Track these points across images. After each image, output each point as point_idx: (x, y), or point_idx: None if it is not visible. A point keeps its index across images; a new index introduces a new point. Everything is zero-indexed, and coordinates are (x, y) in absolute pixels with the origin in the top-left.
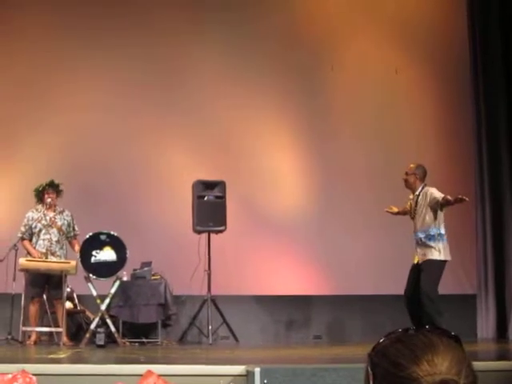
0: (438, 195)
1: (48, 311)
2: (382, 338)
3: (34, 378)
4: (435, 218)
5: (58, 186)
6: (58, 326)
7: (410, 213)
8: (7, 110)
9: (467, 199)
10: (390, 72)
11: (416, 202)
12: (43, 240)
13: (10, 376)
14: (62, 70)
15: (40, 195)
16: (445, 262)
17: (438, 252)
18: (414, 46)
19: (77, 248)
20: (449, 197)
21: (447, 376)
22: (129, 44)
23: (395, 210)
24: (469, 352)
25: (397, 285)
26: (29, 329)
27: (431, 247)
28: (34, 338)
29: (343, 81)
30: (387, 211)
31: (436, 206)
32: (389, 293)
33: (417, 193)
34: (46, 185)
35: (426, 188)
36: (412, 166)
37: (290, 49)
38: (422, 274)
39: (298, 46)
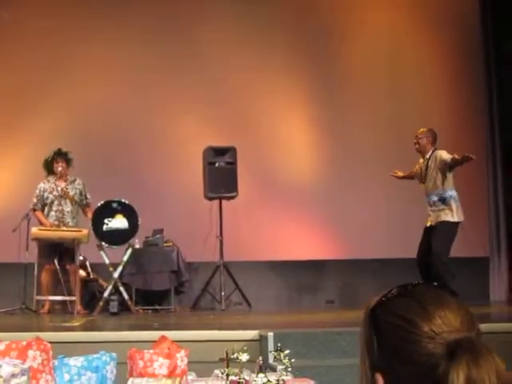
0: (447, 156)
1: (61, 280)
2: (383, 294)
3: (49, 345)
4: (445, 180)
5: (66, 154)
6: (72, 295)
7: (421, 177)
8: (21, 81)
9: (474, 157)
10: (401, 36)
11: (427, 166)
12: (55, 211)
13: (24, 343)
14: (75, 41)
15: (49, 165)
16: (458, 223)
17: (451, 213)
18: (424, 10)
19: (89, 215)
20: (456, 156)
21: (464, 333)
22: (141, 15)
23: (400, 174)
24: (482, 314)
25: (408, 248)
26: (42, 298)
27: (444, 209)
28: (47, 306)
29: (354, 48)
30: (392, 175)
31: (445, 168)
32: (400, 256)
33: (427, 156)
34: (54, 154)
35: (436, 151)
36: (423, 129)
37: (303, 16)
38: (434, 236)
39: (310, 12)
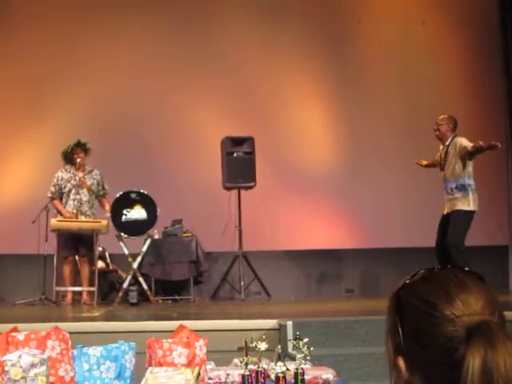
0: (467, 144)
1: (80, 271)
2: (408, 277)
3: (68, 334)
4: (464, 167)
5: (85, 144)
6: (90, 286)
7: (440, 164)
8: (36, 71)
9: (499, 145)
10: (417, 24)
11: (446, 153)
12: (73, 200)
13: (43, 333)
14: (92, 30)
15: (69, 156)
16: (473, 212)
17: (467, 202)
18: None
19: (107, 207)
20: (481, 142)
21: (484, 317)
22: (158, 4)
23: (424, 162)
24: (502, 303)
25: (425, 237)
26: (62, 289)
27: (460, 197)
28: (69, 297)
29: (371, 34)
30: (417, 163)
31: (465, 156)
32: (419, 245)
33: (447, 143)
34: (74, 145)
35: (456, 138)
36: (443, 116)
37: (320, 5)
38: (450, 225)
39: (327, 1)
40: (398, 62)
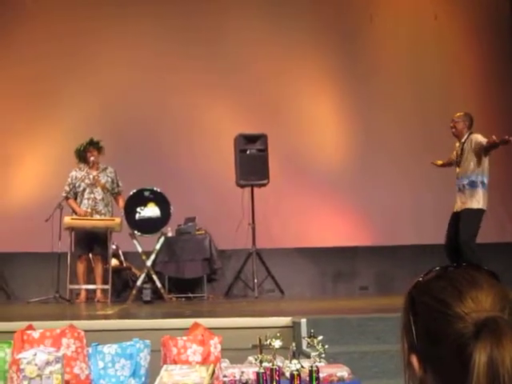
0: (483, 139)
1: (94, 269)
2: (421, 276)
3: (82, 332)
4: (479, 164)
5: (98, 143)
6: (103, 284)
7: (456, 161)
8: (48, 68)
9: None
10: (429, 19)
11: (462, 150)
12: (87, 199)
13: (58, 331)
14: (99, 28)
15: (82, 155)
16: (482, 210)
17: (477, 201)
18: None
19: (121, 204)
20: (494, 137)
21: (492, 313)
22: (169, 1)
23: (440, 162)
24: None
25: (438, 234)
26: (76, 287)
27: (471, 195)
28: (83, 295)
29: (382, 31)
30: (432, 163)
31: (480, 152)
32: (433, 242)
33: (463, 140)
34: (87, 144)
35: (472, 135)
36: (459, 113)
37: (331, 1)
38: (461, 224)
39: None
40: (409, 59)
